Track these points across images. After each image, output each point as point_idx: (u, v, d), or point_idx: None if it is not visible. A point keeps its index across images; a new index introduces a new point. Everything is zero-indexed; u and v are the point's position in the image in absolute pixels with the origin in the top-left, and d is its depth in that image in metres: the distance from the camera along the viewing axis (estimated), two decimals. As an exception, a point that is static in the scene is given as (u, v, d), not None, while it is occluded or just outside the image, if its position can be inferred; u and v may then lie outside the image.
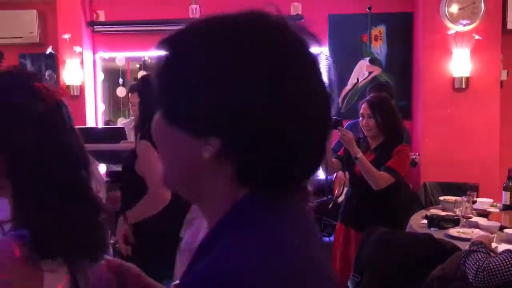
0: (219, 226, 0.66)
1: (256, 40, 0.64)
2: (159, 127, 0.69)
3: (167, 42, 0.69)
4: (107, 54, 5.54)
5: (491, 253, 2.10)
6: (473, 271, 1.99)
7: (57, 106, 1.01)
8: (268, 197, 0.66)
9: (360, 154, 2.84)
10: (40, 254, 0.92)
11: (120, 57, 5.46)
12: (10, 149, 0.96)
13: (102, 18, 5.41)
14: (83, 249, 0.99)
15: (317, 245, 0.72)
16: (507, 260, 1.95)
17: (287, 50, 0.65)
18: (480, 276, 1.95)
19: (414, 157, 3.62)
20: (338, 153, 3.16)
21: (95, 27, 5.39)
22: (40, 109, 0.97)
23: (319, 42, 0.69)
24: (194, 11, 5.20)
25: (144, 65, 5.99)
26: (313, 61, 0.67)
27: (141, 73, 5.47)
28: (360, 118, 3.02)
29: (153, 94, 1.31)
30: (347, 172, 3.15)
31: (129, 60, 5.58)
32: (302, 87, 0.65)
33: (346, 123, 3.61)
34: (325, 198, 3.59)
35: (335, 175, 3.64)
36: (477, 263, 1.99)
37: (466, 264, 2.05)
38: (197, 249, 0.68)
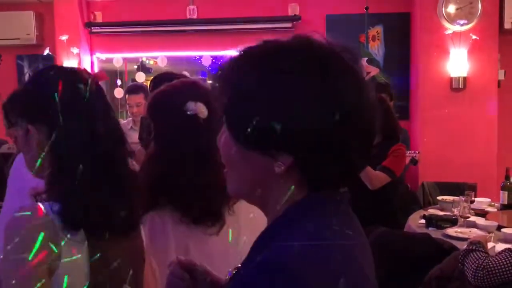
0: (279, 222, 0.73)
1: (318, 65, 0.71)
2: (229, 146, 0.76)
3: (232, 69, 0.75)
4: (105, 55, 5.54)
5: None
6: (472, 270, 1.98)
7: (97, 88, 1.09)
8: (324, 196, 0.74)
9: None
10: (65, 224, 0.98)
11: (117, 58, 5.46)
12: (52, 123, 1.03)
13: (99, 19, 5.41)
14: (109, 224, 1.04)
15: (362, 236, 0.79)
16: (506, 259, 1.94)
17: (342, 70, 0.72)
18: (479, 275, 1.95)
19: (414, 155, 3.61)
20: None
21: (92, 28, 5.39)
22: (81, 88, 1.05)
23: (358, 60, 0.76)
24: (192, 12, 5.20)
25: (141, 66, 5.99)
26: (362, 78, 0.75)
27: (139, 74, 5.47)
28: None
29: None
30: None
31: (126, 61, 5.58)
32: (357, 103, 0.72)
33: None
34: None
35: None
36: (477, 262, 1.98)
37: (465, 263, 2.04)
38: (256, 242, 0.75)
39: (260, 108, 0.70)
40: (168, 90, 1.38)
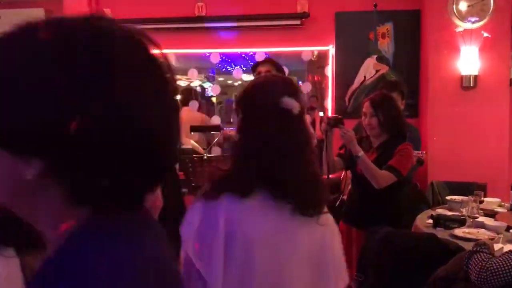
0: (58, 253, 0.61)
1: (81, 50, 0.58)
2: None
3: None
4: (114, 53, 5.55)
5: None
6: (476, 271, 1.96)
7: None
8: (108, 217, 0.62)
9: (361, 153, 2.81)
10: None
11: (126, 55, 5.47)
12: None
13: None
14: (29, 238, 1.02)
15: (166, 258, 0.68)
16: (510, 261, 1.91)
17: (118, 58, 0.60)
18: (483, 276, 1.92)
19: (421, 155, 3.56)
20: (340, 151, 3.13)
21: (101, 25, 5.41)
22: None
23: (158, 47, 0.65)
24: (200, 9, 5.19)
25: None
26: (155, 70, 0.63)
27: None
28: (363, 117, 2.98)
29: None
30: (349, 171, 3.12)
31: (135, 58, 5.58)
32: (137, 98, 0.60)
33: (356, 121, 3.57)
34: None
35: (343, 173, 3.60)
36: (480, 264, 1.96)
37: (469, 265, 2.02)
38: (37, 275, 0.61)
39: (1, 97, 0.57)
40: (264, 85, 1.38)
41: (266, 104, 1.30)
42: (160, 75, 0.64)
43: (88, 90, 0.57)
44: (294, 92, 1.35)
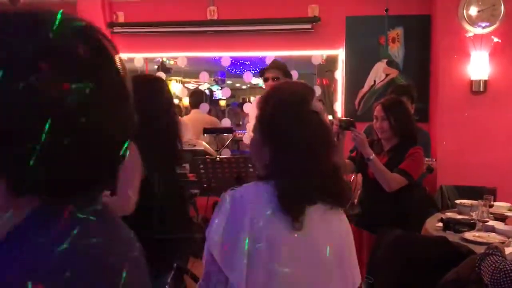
0: (5, 243, 0.60)
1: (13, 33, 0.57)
2: None
3: None
4: (126, 55, 5.60)
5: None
6: (489, 272, 1.97)
7: None
8: (58, 207, 0.61)
9: (373, 156, 2.83)
10: None
11: (138, 58, 5.52)
12: None
13: (121, 19, 5.49)
14: None
15: (121, 245, 0.67)
16: None
17: (54, 45, 0.58)
18: (496, 277, 1.93)
19: (431, 162, 3.57)
20: (351, 154, 3.16)
21: (114, 28, 5.46)
22: None
23: (109, 41, 0.64)
24: (212, 13, 5.24)
25: (162, 66, 6.05)
26: (96, 59, 0.61)
27: (159, 74, 5.53)
28: (374, 120, 3.01)
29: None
30: (359, 174, 3.14)
31: (147, 61, 5.64)
32: (65, 82, 0.57)
33: (366, 125, 3.59)
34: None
35: (353, 176, 3.61)
36: (494, 265, 1.97)
37: (481, 267, 2.03)
38: None
39: None
40: (295, 91, 1.43)
41: (303, 111, 1.37)
42: (104, 64, 0.62)
43: (18, 78, 0.55)
44: (314, 95, 1.43)
